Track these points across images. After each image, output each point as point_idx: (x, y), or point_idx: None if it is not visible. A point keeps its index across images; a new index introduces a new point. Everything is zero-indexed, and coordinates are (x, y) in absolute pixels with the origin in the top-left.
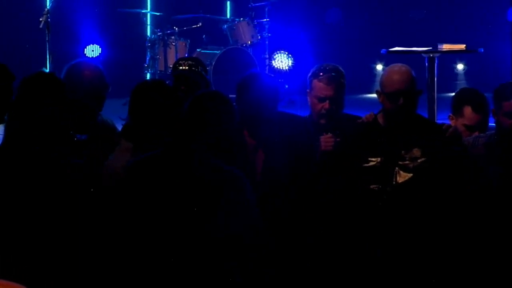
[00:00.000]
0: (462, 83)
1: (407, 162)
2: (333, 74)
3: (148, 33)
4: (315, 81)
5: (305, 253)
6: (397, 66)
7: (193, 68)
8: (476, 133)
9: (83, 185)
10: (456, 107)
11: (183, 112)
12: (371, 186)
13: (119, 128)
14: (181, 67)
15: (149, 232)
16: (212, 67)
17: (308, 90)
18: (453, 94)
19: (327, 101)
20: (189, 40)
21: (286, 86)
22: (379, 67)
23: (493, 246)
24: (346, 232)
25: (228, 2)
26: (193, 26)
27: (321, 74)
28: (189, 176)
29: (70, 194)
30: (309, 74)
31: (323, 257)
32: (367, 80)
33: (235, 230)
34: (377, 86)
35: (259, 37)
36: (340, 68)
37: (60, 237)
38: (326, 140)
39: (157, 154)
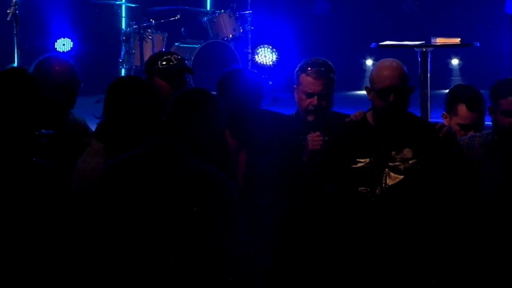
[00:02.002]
0: (457, 79)
1: (397, 163)
2: (322, 68)
3: (123, 26)
4: (303, 76)
5: (292, 256)
6: (388, 61)
7: (184, 64)
8: (471, 133)
9: (55, 187)
10: (450, 105)
11: (167, 110)
12: (360, 189)
13: (92, 127)
14: (175, 63)
15: (131, 236)
16: (191, 62)
17: (295, 86)
18: (447, 91)
19: (316, 97)
20: (166, 34)
21: (270, 83)
22: (369, 62)
23: (490, 250)
24: (334, 234)
25: None
26: (171, 19)
27: (310, 68)
28: (173, 178)
29: (45, 195)
30: (297, 69)
31: (310, 259)
32: (356, 76)
33: (220, 234)
34: (367, 83)
35: (241, 30)
36: (330, 63)
37: (43, 241)
38: (314, 139)
39: (139, 154)
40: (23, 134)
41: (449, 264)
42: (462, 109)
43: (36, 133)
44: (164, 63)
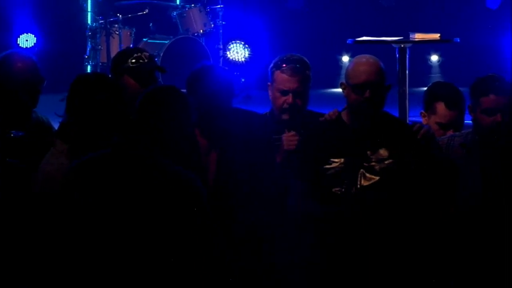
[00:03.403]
0: (436, 76)
1: (373, 163)
2: (298, 65)
3: (89, 21)
4: (278, 73)
5: (263, 259)
6: (365, 57)
7: (155, 63)
8: (450, 132)
9: (20, 188)
10: (428, 103)
11: (134, 109)
12: (334, 189)
13: (56, 126)
14: (145, 61)
15: (103, 236)
16: (160, 59)
17: (269, 83)
18: (426, 88)
19: (290, 95)
20: (134, 29)
21: (243, 80)
22: (345, 58)
23: (475, 250)
24: (306, 237)
25: None
26: (139, 13)
27: (284, 65)
28: (146, 177)
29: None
30: (271, 65)
31: (282, 264)
32: (332, 73)
33: (189, 238)
34: (343, 79)
35: (212, 25)
36: (306, 60)
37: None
38: (289, 138)
39: (107, 153)
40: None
41: (439, 264)
42: (440, 107)
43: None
44: (134, 61)
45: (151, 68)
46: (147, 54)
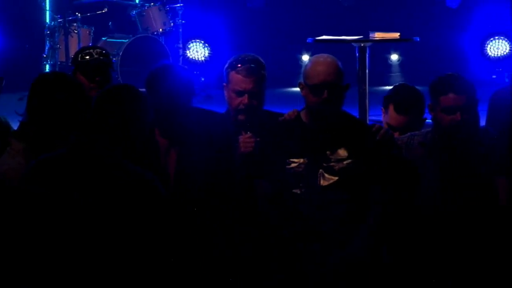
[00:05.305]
0: (396, 76)
1: (332, 163)
2: (253, 65)
3: (47, 20)
4: (233, 73)
5: (219, 261)
6: (323, 57)
7: (106, 59)
8: (396, 135)
9: None
10: (385, 102)
11: (92, 108)
12: (293, 190)
13: (15, 126)
14: (94, 56)
15: (62, 236)
16: (119, 58)
17: (224, 84)
18: (386, 87)
19: (246, 95)
20: (93, 28)
21: (202, 79)
22: (306, 57)
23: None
24: (266, 238)
25: None
26: (98, 12)
27: (239, 65)
28: (107, 177)
29: None
30: (226, 66)
31: (240, 266)
32: (292, 72)
33: (147, 237)
34: (302, 79)
35: (172, 24)
36: (261, 59)
37: None
38: (245, 140)
39: (65, 153)
40: None
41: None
42: (391, 109)
43: None
44: (86, 57)
45: (97, 62)
46: (100, 50)
